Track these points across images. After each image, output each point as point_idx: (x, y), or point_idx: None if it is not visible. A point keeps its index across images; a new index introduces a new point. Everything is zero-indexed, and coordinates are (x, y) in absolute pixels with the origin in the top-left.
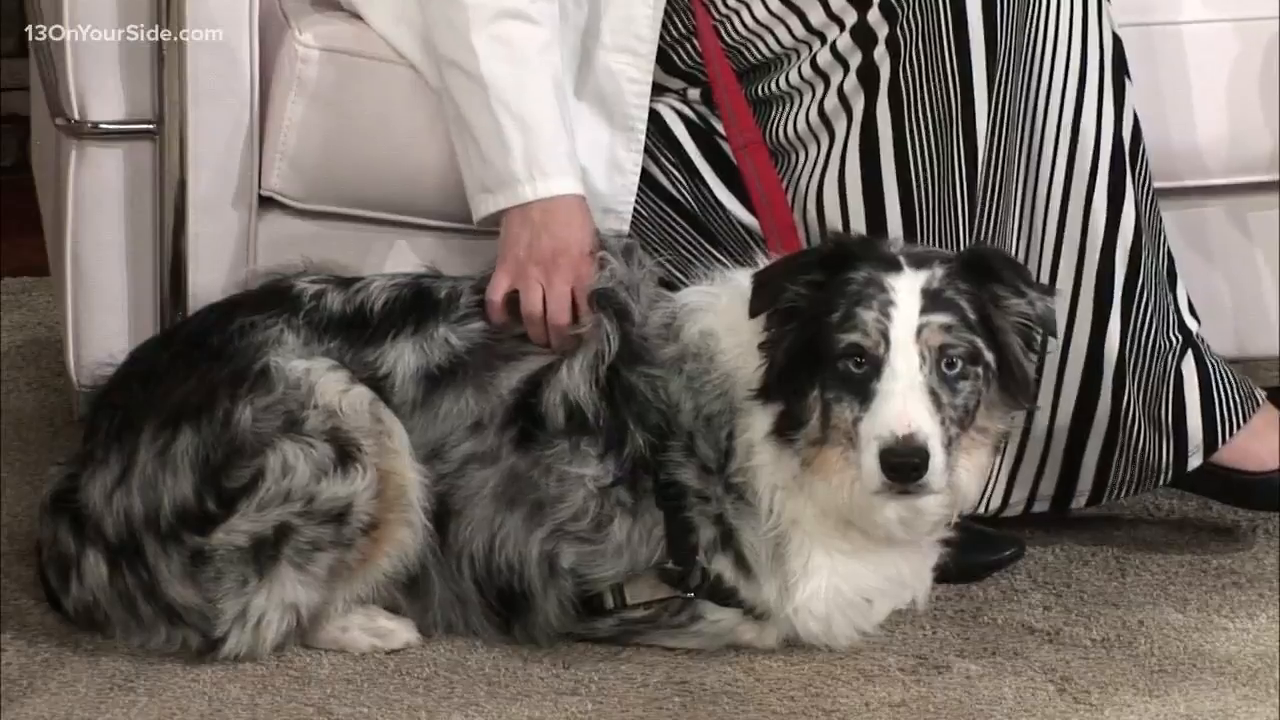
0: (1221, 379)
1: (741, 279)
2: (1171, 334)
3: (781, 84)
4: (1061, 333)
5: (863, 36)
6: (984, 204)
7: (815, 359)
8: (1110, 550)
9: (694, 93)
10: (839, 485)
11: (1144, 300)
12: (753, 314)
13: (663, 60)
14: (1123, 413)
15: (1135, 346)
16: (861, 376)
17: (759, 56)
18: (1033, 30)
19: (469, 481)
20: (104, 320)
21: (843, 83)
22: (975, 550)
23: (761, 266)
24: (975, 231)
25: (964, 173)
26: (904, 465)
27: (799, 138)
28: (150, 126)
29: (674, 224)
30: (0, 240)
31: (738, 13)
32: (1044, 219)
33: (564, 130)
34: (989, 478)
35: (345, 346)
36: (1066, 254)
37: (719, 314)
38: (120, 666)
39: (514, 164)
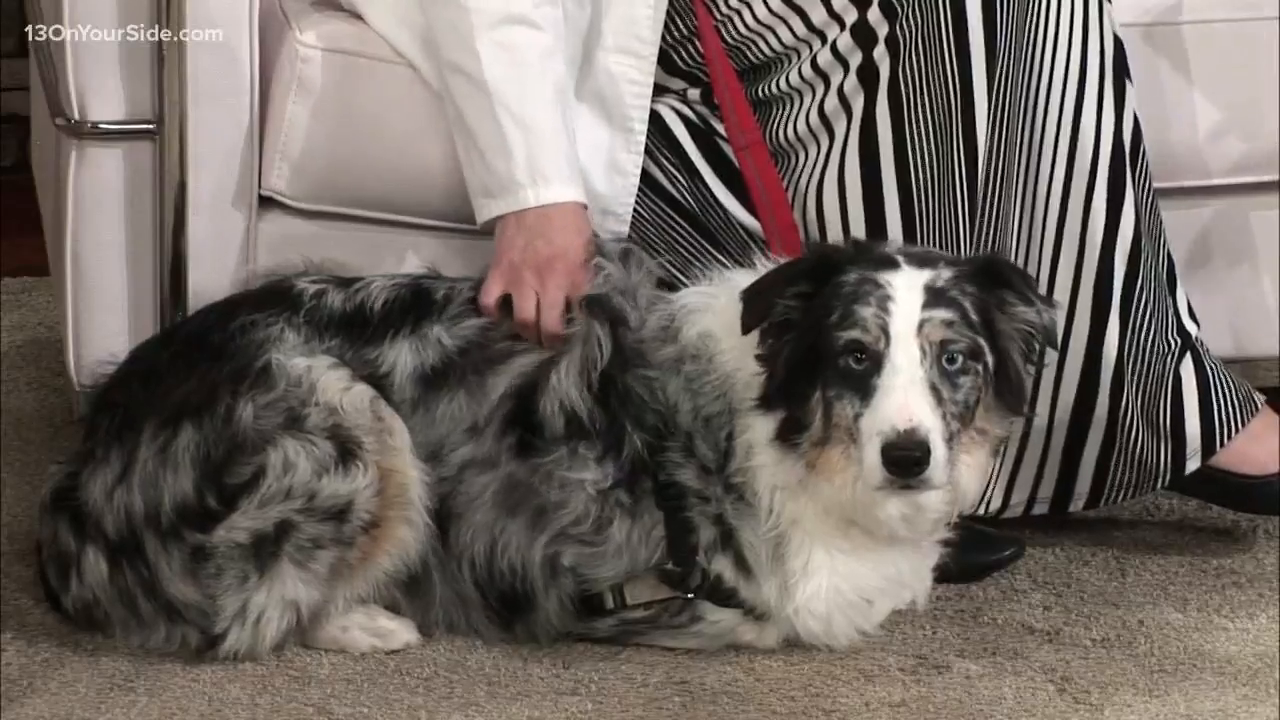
0: (1220, 382)
1: (740, 280)
2: (1170, 336)
3: (782, 84)
4: (1060, 333)
5: (863, 36)
6: (984, 204)
7: (815, 364)
8: (1110, 550)
9: (694, 93)
10: (842, 484)
11: (1143, 302)
12: (745, 330)
13: (664, 61)
14: (1121, 414)
15: (1134, 348)
16: (862, 373)
17: (760, 56)
18: (1033, 30)
19: (469, 487)
20: (104, 320)
21: (843, 83)
22: (975, 550)
23: (761, 268)
24: (975, 232)
25: (964, 173)
26: (906, 459)
27: (799, 138)
28: (150, 126)
29: (674, 225)
30: (0, 240)
31: (739, 13)
32: (1043, 219)
33: (566, 136)
34: (989, 479)
35: (345, 345)
36: (1066, 254)
37: (717, 314)
38: (120, 666)
39: (516, 170)
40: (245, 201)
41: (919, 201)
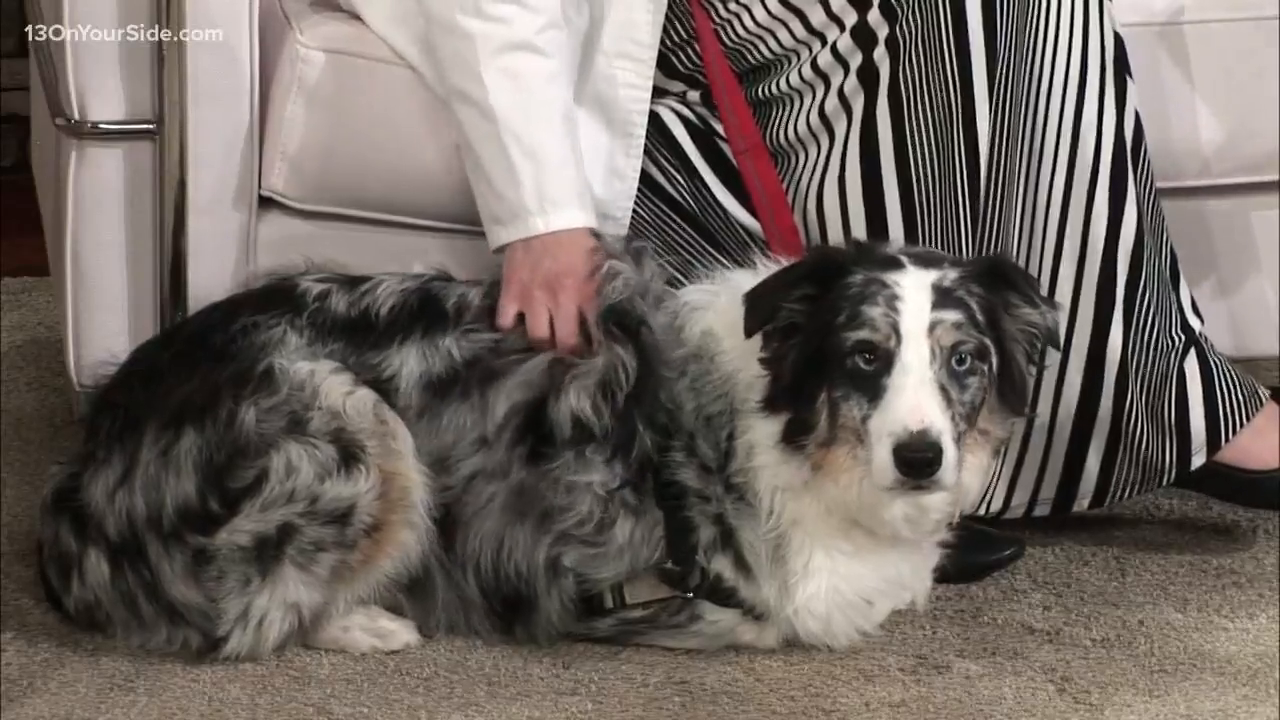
0: (1224, 378)
1: (741, 280)
2: (1174, 333)
3: (782, 85)
4: (1063, 332)
5: (863, 37)
6: (985, 204)
7: (821, 365)
8: (1110, 550)
9: (694, 95)
10: (847, 484)
11: (1146, 299)
12: (748, 333)
13: (663, 64)
14: (1125, 412)
15: (1137, 345)
16: (871, 373)
17: (759, 58)
18: (1033, 30)
19: (476, 496)
20: (104, 320)
21: (843, 84)
22: (975, 550)
23: (761, 268)
24: (976, 232)
25: (965, 173)
26: (919, 460)
27: (799, 139)
28: (150, 126)
29: (674, 226)
30: (0, 240)
31: (739, 16)
32: (1045, 219)
33: (574, 161)
34: (990, 479)
35: (349, 349)
36: (1068, 254)
37: (719, 314)
38: (120, 666)
39: (525, 197)
40: (245, 201)
41: (920, 202)
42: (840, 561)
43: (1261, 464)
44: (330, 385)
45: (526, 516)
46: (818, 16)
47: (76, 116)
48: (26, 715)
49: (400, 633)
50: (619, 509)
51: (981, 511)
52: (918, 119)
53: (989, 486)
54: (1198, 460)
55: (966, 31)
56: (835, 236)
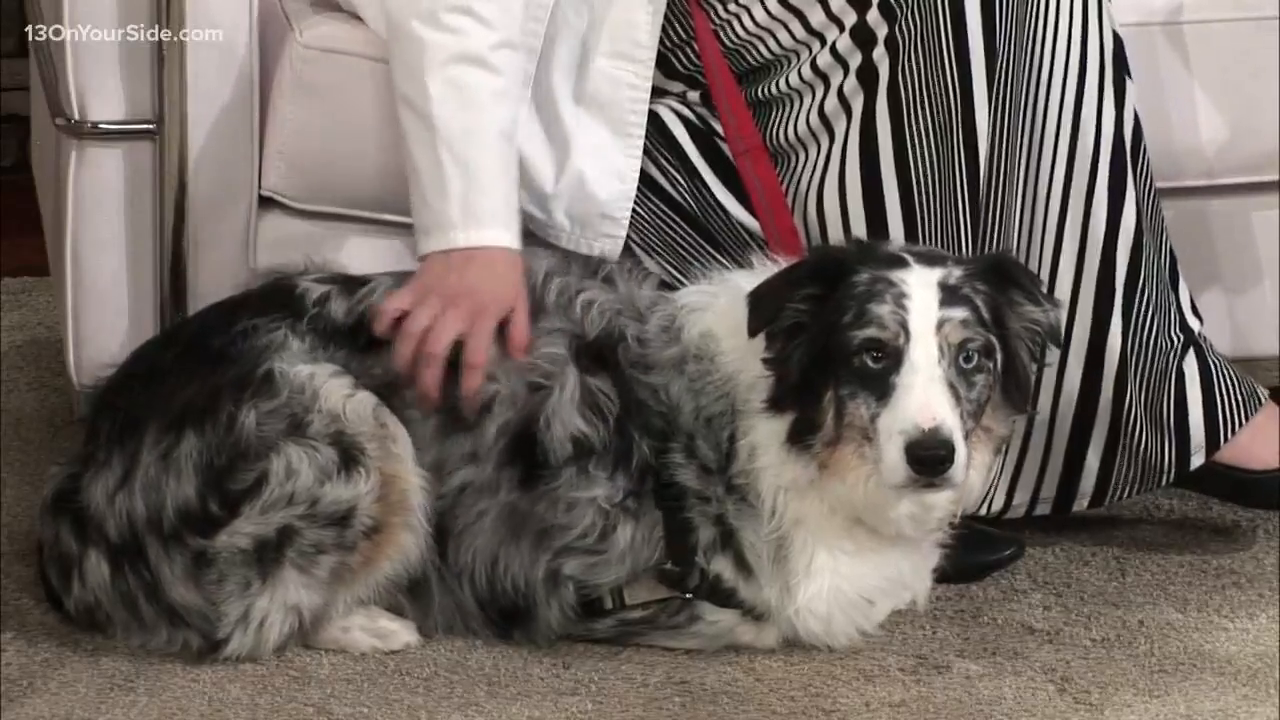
0: (1223, 377)
1: (740, 280)
2: (1173, 333)
3: (781, 86)
4: (1063, 332)
5: (862, 37)
6: (985, 203)
7: (827, 364)
8: (1110, 550)
9: (694, 95)
10: (854, 483)
11: (1145, 299)
12: (752, 334)
13: (662, 64)
14: (1124, 412)
15: (1137, 345)
16: (879, 371)
17: (759, 59)
18: (1032, 29)
19: (467, 510)
20: (104, 320)
21: (842, 84)
22: (975, 550)
23: (760, 268)
24: (977, 231)
25: (964, 172)
26: (931, 458)
27: (799, 140)
28: (150, 126)
29: (674, 226)
30: (0, 240)
31: (738, 16)
32: (1044, 218)
33: (506, 181)
34: (991, 478)
35: (350, 353)
36: (1067, 253)
37: (718, 315)
38: (120, 666)
39: (450, 208)
40: (245, 201)
41: (920, 201)
42: (842, 561)
43: (1261, 464)
44: (330, 388)
45: (521, 536)
46: (817, 17)
47: (76, 116)
48: (26, 715)
49: (400, 633)
50: (619, 516)
51: (982, 511)
52: (917, 119)
53: (990, 486)
54: (1197, 460)
55: (966, 31)
56: (835, 237)
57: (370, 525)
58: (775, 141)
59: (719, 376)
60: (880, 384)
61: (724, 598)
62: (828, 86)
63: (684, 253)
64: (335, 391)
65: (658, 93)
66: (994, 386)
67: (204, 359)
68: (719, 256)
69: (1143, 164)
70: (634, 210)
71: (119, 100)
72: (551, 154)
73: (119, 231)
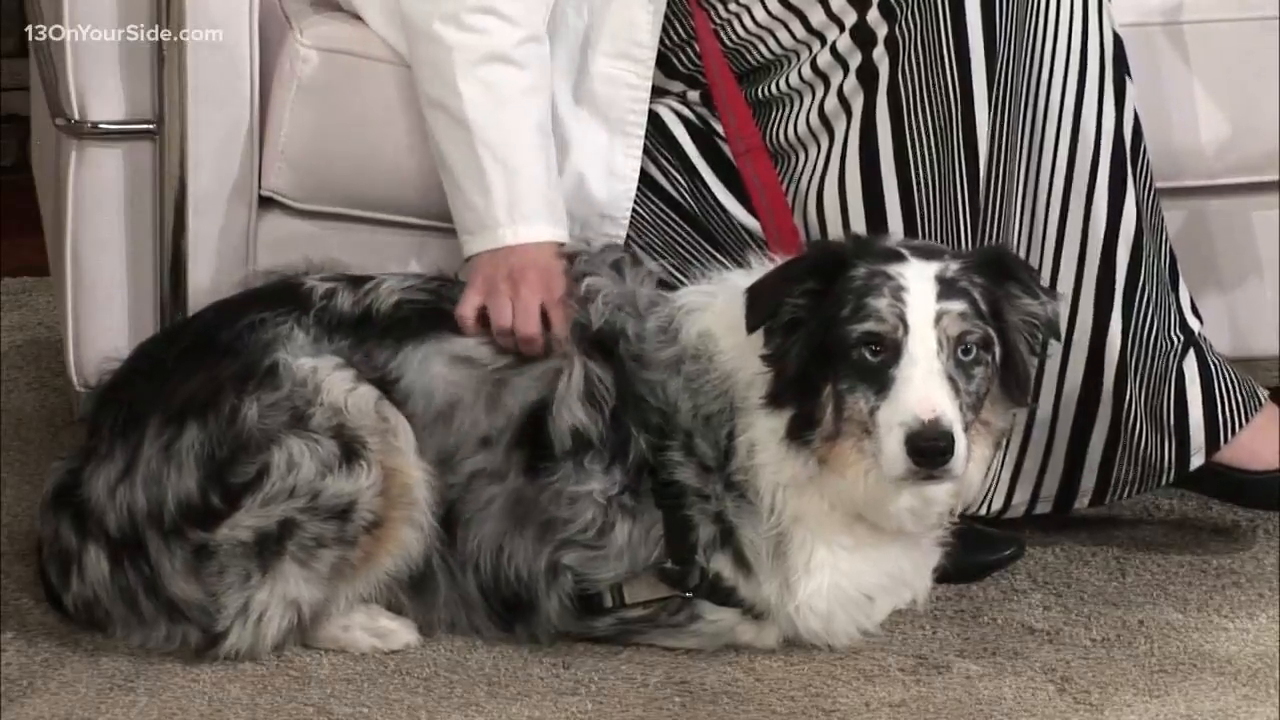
0: (1223, 378)
1: (739, 279)
2: (1173, 333)
3: (782, 85)
4: (1063, 332)
5: (862, 37)
6: (985, 203)
7: (826, 359)
8: (1110, 550)
9: (694, 95)
10: (854, 477)
11: (1145, 299)
12: (750, 329)
13: (663, 64)
14: (1124, 412)
15: (1137, 346)
16: (878, 365)
17: (759, 59)
18: (1032, 29)
19: (476, 496)
20: (104, 320)
21: (842, 83)
22: (975, 550)
23: (758, 268)
24: (977, 230)
25: (964, 172)
26: (932, 450)
27: (799, 139)
28: (150, 126)
29: (674, 225)
30: (0, 240)
31: (738, 16)
32: (1045, 218)
33: (546, 175)
34: (991, 476)
35: (355, 347)
36: (1067, 253)
37: (717, 314)
38: (120, 666)
39: (495, 208)
40: (245, 201)
41: (920, 201)
42: (842, 557)
43: (1261, 464)
44: (332, 382)
45: (526, 526)
46: (817, 17)
47: (76, 116)
48: (26, 715)
49: (400, 632)
50: (617, 512)
51: (982, 511)
52: (917, 119)
53: (990, 485)
54: (1197, 460)
55: (966, 31)
56: (835, 236)
57: (371, 519)
58: (775, 141)
59: (717, 375)
60: (879, 377)
61: (724, 596)
62: (828, 86)
63: (684, 253)
64: (337, 385)
65: (658, 92)
66: (993, 379)
67: (209, 353)
68: (719, 256)
69: (1143, 164)
70: (634, 210)
71: (119, 100)
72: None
73: (119, 231)
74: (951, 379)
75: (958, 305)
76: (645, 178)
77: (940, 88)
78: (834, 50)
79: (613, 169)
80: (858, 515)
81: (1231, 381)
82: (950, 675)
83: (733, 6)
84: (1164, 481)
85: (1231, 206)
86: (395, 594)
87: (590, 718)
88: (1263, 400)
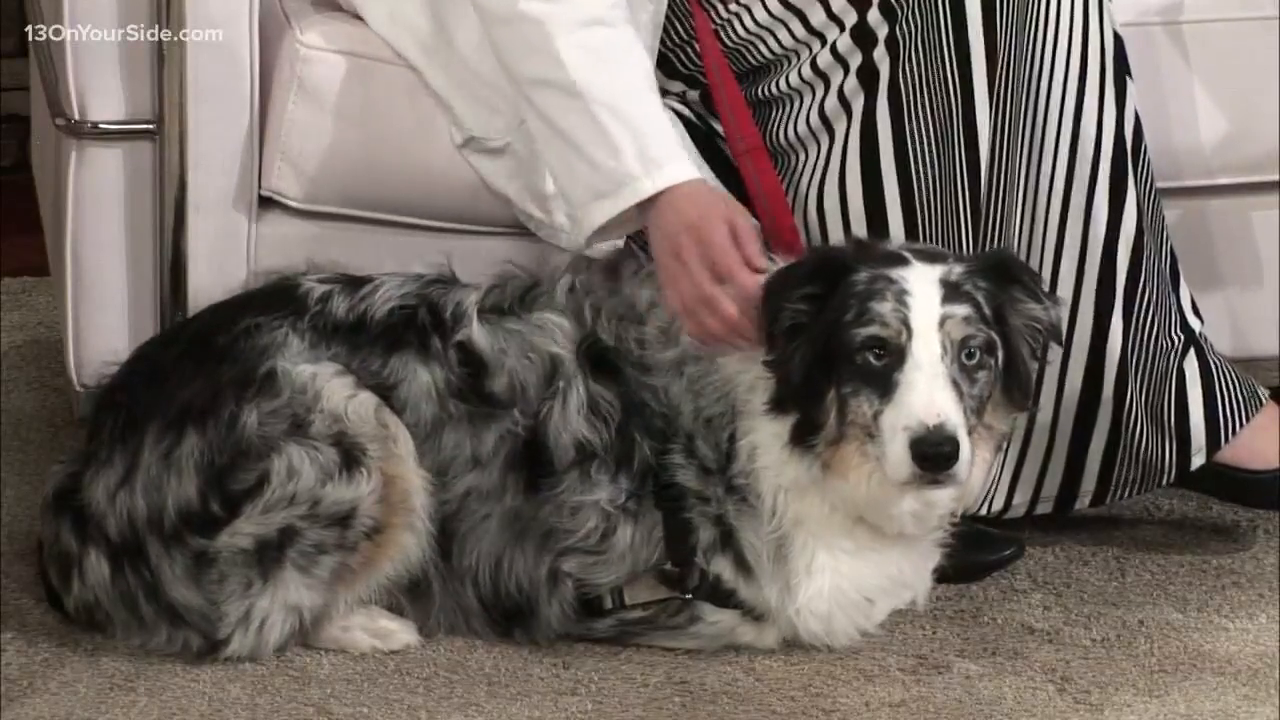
0: (1224, 378)
1: None
2: (1174, 333)
3: (782, 85)
4: (1064, 332)
5: (862, 37)
6: (986, 203)
7: (829, 363)
8: (1110, 550)
9: (694, 95)
10: (857, 481)
11: (1146, 299)
12: None
13: (663, 64)
14: (1125, 412)
15: (1137, 345)
16: (882, 369)
17: (759, 58)
18: (1033, 29)
19: (471, 514)
20: (104, 320)
21: (843, 83)
22: (975, 550)
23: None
24: (977, 231)
25: (965, 173)
26: (937, 454)
27: (799, 139)
28: (150, 126)
29: None
30: (0, 240)
31: (739, 16)
32: (1045, 218)
33: (667, 122)
34: (992, 477)
35: (351, 353)
36: (1068, 253)
37: None
38: (120, 666)
39: (627, 162)
40: (245, 201)
41: (920, 201)
42: (843, 560)
43: (1261, 464)
44: (332, 388)
45: (526, 538)
46: (818, 16)
47: (76, 116)
48: (26, 715)
49: (400, 633)
50: (619, 516)
51: (983, 511)
52: (918, 119)
53: (991, 486)
54: (1197, 460)
55: (966, 31)
56: (836, 236)
57: (371, 526)
58: (775, 141)
59: (719, 378)
60: (883, 381)
61: (724, 598)
62: (828, 86)
63: None
64: (337, 392)
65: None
66: (995, 383)
67: (206, 358)
68: None
69: (1143, 165)
70: None
71: (119, 100)
72: None
73: (119, 231)
74: (955, 383)
75: (962, 309)
76: None
77: (941, 88)
78: (834, 50)
79: None
80: (859, 518)
81: (1232, 381)
82: (950, 675)
83: (733, 6)
84: (1165, 481)
85: (1231, 206)
86: (395, 596)
87: (590, 718)
88: (1263, 400)
